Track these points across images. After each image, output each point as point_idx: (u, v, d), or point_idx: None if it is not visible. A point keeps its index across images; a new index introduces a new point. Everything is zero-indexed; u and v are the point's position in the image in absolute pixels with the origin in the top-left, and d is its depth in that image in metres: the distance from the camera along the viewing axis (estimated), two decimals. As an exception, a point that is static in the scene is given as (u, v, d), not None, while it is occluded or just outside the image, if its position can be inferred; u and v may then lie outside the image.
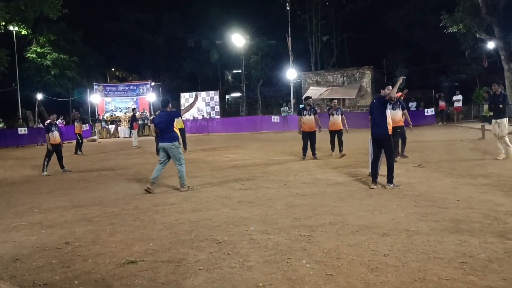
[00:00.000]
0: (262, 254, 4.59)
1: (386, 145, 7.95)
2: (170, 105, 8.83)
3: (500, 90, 10.64)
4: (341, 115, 12.79)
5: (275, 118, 29.17)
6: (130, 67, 44.05)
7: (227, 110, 43.17)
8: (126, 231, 5.79)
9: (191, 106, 9.00)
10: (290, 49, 32.03)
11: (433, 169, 9.72)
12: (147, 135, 29.50)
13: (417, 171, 9.62)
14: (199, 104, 33.12)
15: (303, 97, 13.40)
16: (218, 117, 33.14)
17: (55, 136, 12.57)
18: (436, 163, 10.50)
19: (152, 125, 13.31)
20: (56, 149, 12.54)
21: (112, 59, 43.56)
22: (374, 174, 8.07)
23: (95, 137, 29.30)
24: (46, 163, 12.35)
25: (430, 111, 26.64)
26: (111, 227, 6.00)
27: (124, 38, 43.33)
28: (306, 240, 4.99)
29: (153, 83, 36.71)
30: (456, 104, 26.72)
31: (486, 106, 13.83)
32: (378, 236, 5.02)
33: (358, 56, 40.85)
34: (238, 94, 45.39)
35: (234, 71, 47.12)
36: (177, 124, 13.22)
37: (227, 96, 47.44)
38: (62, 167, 12.72)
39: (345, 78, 33.46)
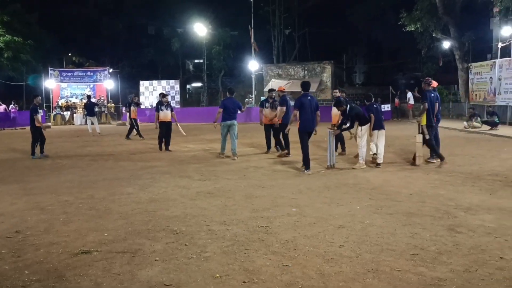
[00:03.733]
0: (220, 245, 4.58)
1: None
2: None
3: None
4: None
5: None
6: (88, 52, 42.60)
7: (188, 99, 42.69)
8: (80, 220, 5.64)
9: None
10: (252, 40, 31.96)
11: (387, 163, 9.97)
12: (104, 123, 28.78)
13: (372, 165, 9.84)
14: (158, 93, 32.57)
15: (267, 90, 13.30)
16: (178, 106, 32.70)
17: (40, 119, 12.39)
18: (391, 158, 10.77)
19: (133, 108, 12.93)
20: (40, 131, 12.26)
21: (69, 43, 41.99)
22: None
23: (49, 124, 28.27)
24: (33, 146, 12.22)
25: (387, 107, 27.32)
26: (65, 216, 5.83)
27: (82, 22, 41.86)
28: (264, 231, 5.02)
29: (111, 70, 35.72)
30: (409, 102, 27.52)
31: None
32: (334, 228, 5.12)
33: (319, 50, 41.36)
34: (199, 84, 44.92)
35: (196, 61, 46.52)
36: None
37: (188, 86, 46.89)
38: (41, 151, 12.40)
39: (306, 71, 33.77)
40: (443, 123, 20.75)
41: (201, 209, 6.10)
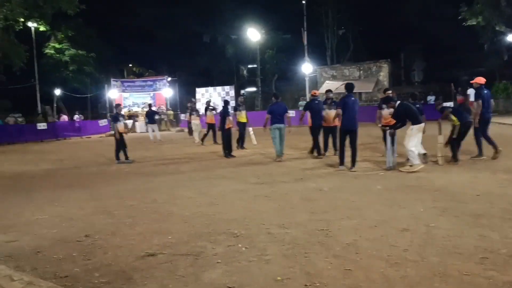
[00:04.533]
0: (280, 248, 4.58)
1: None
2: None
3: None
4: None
5: (291, 113, 29.02)
6: (146, 62, 44.38)
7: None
8: (144, 223, 5.84)
9: None
10: (305, 43, 31.84)
11: (451, 163, 9.60)
12: (163, 130, 29.64)
13: (435, 165, 9.50)
14: (215, 99, 33.16)
15: (324, 91, 13.32)
16: (233, 111, 33.19)
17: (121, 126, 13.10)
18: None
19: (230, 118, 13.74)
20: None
21: (128, 54, 43.90)
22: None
23: (112, 132, 29.52)
24: (117, 152, 13.02)
25: (449, 106, 26.21)
26: (130, 220, 6.05)
27: (139, 33, 43.65)
28: (323, 235, 4.96)
29: (169, 79, 36.86)
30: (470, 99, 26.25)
31: None
32: (397, 231, 4.97)
33: (375, 50, 40.46)
34: (253, 89, 45.37)
35: (249, 66, 47.05)
36: (240, 118, 14.68)
37: (242, 91, 47.45)
38: (118, 158, 13.12)
39: (361, 72, 33.25)
40: (508, 120, 19.67)
41: (260, 213, 6.12)
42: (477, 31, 28.25)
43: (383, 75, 32.30)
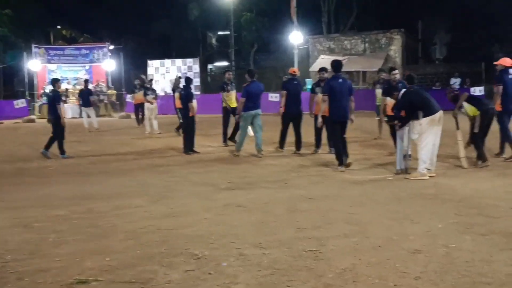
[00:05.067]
0: (255, 275, 4.61)
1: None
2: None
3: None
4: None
5: (273, 97, 29.07)
6: (83, 25, 43.60)
7: (210, 83, 42.95)
8: (75, 241, 5.79)
9: None
10: (294, 4, 31.78)
11: (478, 166, 9.80)
12: (103, 116, 29.30)
13: (458, 169, 9.68)
14: (173, 76, 33.01)
15: (317, 69, 13.37)
16: (198, 93, 32.97)
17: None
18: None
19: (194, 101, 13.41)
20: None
21: (58, 14, 43.08)
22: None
23: (33, 117, 29.08)
24: (60, 144, 12.98)
25: (478, 90, 26.50)
26: (56, 236, 5.99)
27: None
28: (313, 257, 5.02)
29: (111, 47, 36.41)
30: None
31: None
32: (407, 253, 5.06)
33: (385, 16, 40.74)
34: (225, 63, 45.24)
35: (220, 33, 46.91)
36: (230, 101, 14.17)
37: (210, 66, 47.36)
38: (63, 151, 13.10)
39: (367, 44, 33.55)
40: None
41: (231, 227, 6.14)
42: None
43: (395, 49, 32.68)
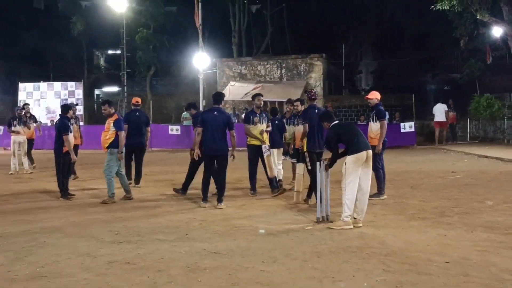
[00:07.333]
0: None
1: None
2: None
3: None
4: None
5: (174, 129, 29.05)
6: None
7: (97, 112, 42.21)
8: None
9: None
10: (199, 21, 32.00)
11: (411, 214, 10.06)
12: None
13: (388, 217, 9.88)
14: (50, 103, 32.26)
15: (251, 96, 13.37)
16: (82, 123, 32.32)
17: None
18: (417, 207, 10.89)
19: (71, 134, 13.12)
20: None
21: None
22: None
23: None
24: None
25: (408, 127, 27.09)
26: None
27: None
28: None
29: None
30: (437, 118, 27.65)
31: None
32: (329, 320, 5.03)
33: (305, 39, 41.90)
34: (115, 89, 44.80)
35: (110, 52, 46.50)
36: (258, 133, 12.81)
37: (96, 91, 46.72)
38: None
39: (283, 71, 34.20)
40: (495, 152, 21.23)
41: (115, 291, 5.92)
42: (451, 21, 29.97)
43: (316, 76, 33.41)
